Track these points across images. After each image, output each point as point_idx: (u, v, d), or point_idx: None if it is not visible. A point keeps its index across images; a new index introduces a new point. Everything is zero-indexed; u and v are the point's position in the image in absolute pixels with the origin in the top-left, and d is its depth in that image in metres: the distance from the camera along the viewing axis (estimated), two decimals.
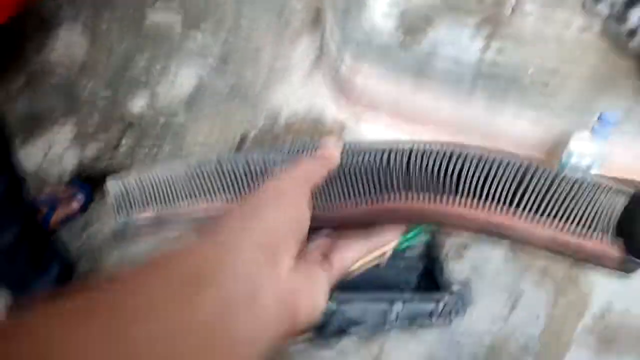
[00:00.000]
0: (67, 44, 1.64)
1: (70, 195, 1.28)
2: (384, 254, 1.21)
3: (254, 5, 1.69)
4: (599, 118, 1.09)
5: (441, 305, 1.03)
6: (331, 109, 1.45)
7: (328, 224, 0.36)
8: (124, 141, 1.45)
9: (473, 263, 1.19)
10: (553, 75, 1.33)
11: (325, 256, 0.33)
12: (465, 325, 1.10)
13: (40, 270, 1.03)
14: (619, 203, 0.31)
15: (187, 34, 1.65)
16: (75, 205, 1.27)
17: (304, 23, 1.63)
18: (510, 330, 1.11)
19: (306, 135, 1.42)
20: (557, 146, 1.22)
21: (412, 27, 1.32)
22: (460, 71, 1.29)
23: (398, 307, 1.03)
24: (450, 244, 1.21)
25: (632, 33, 1.36)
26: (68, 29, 1.66)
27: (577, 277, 1.18)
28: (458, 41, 1.43)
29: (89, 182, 1.35)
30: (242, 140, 1.43)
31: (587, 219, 0.31)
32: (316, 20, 1.56)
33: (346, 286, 1.00)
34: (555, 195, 0.31)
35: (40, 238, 1.04)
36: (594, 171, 1.17)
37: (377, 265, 1.17)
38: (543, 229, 0.31)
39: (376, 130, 1.39)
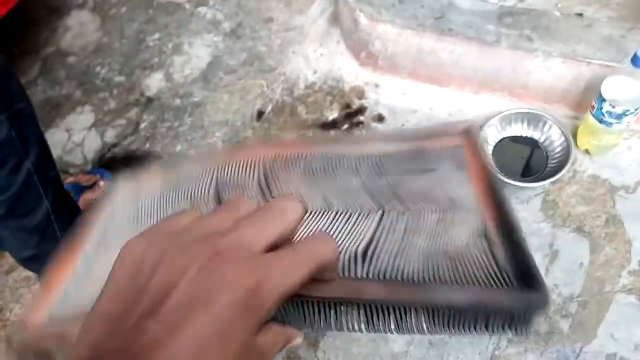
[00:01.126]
0: (78, 29, 1.63)
1: (93, 182, 1.28)
2: None
3: None
4: (632, 58, 1.00)
5: None
6: (349, 73, 1.40)
7: None
8: (144, 120, 1.44)
9: None
10: (586, 4, 1.24)
11: None
12: None
13: None
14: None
15: (197, 5, 1.61)
16: (99, 191, 1.28)
17: None
18: (550, 287, 1.07)
19: (325, 102, 1.38)
20: (591, 92, 1.14)
21: None
22: (484, 11, 1.22)
23: None
24: None
25: None
26: (77, 14, 1.65)
27: (614, 231, 1.12)
28: None
29: (112, 165, 1.36)
30: (260, 113, 1.40)
31: None
32: None
33: None
34: None
35: (72, 214, 1.04)
36: (629, 118, 1.08)
37: None
38: None
39: (396, 95, 1.34)
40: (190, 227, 0.27)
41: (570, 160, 1.15)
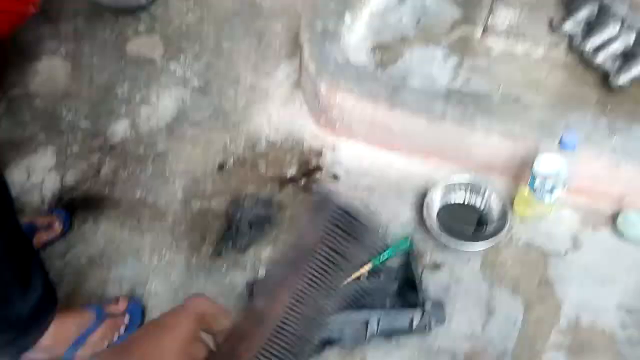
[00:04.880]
0: (48, 74, 1.66)
1: (48, 223, 1.28)
2: (363, 271, 1.24)
3: (234, 30, 1.74)
4: (559, 141, 1.14)
5: (415, 321, 1.06)
6: (309, 134, 1.49)
7: None
8: (105, 166, 1.47)
9: (447, 279, 1.22)
10: (524, 90, 1.40)
11: None
12: (443, 336, 1.14)
13: (24, 287, 1.01)
14: None
15: (168, 61, 1.68)
16: (53, 232, 1.28)
17: (285, 46, 1.68)
18: (486, 341, 1.14)
19: (284, 160, 1.45)
20: (526, 166, 1.26)
21: (387, 51, 1.37)
22: (432, 90, 1.35)
23: (373, 325, 1.05)
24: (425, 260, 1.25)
25: (597, 50, 1.44)
26: (49, 59, 1.69)
27: (545, 293, 1.22)
28: (430, 63, 1.50)
29: (70, 207, 1.36)
30: (221, 166, 1.45)
31: None
32: (296, 42, 1.60)
33: None
34: None
35: (26, 252, 1.03)
36: (558, 193, 1.21)
37: (358, 278, 1.21)
38: None
39: (351, 158, 1.44)
40: None
41: (507, 226, 1.25)
